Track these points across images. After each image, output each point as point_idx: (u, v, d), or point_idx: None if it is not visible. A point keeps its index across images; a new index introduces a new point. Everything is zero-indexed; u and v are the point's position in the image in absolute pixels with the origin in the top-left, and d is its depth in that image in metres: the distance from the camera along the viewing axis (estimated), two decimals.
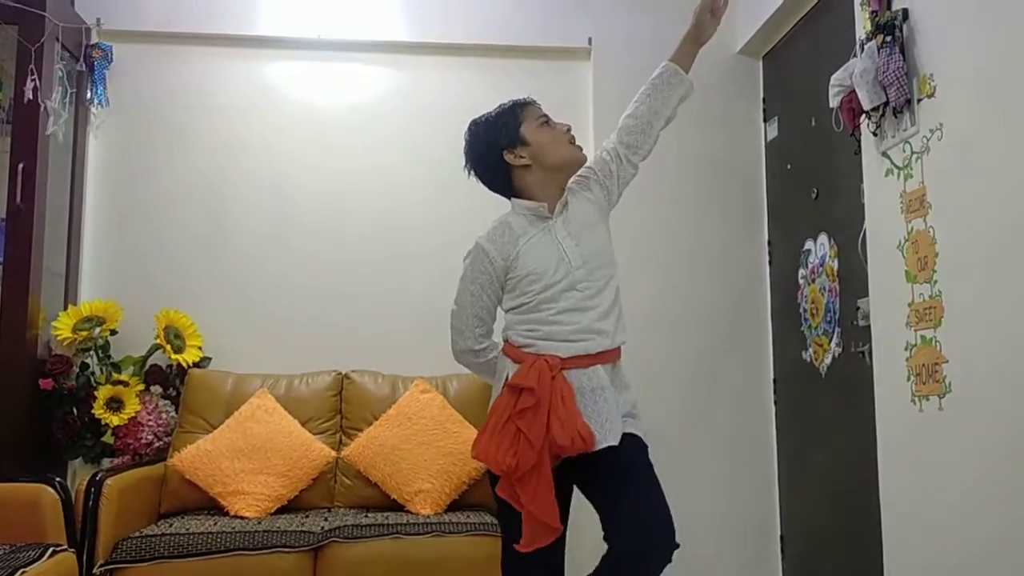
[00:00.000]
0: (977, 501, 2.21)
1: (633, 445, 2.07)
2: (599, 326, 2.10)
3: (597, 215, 2.23)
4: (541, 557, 2.02)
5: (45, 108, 3.29)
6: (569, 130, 2.25)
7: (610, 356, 2.12)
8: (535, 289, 2.12)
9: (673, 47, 2.31)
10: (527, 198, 2.20)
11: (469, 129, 2.26)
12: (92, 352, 3.36)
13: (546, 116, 2.24)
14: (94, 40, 3.67)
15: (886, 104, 2.54)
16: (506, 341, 2.18)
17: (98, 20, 3.70)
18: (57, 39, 3.39)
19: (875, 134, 2.65)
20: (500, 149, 2.19)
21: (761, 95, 3.87)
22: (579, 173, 2.26)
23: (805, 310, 3.36)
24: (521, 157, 2.19)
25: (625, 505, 1.97)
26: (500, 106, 2.26)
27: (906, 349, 2.48)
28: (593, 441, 1.97)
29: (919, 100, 2.45)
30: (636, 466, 2.04)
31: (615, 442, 2.01)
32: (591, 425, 1.99)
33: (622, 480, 2.01)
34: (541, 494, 1.96)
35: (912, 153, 2.48)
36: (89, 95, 3.62)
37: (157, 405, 3.39)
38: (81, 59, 3.61)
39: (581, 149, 2.25)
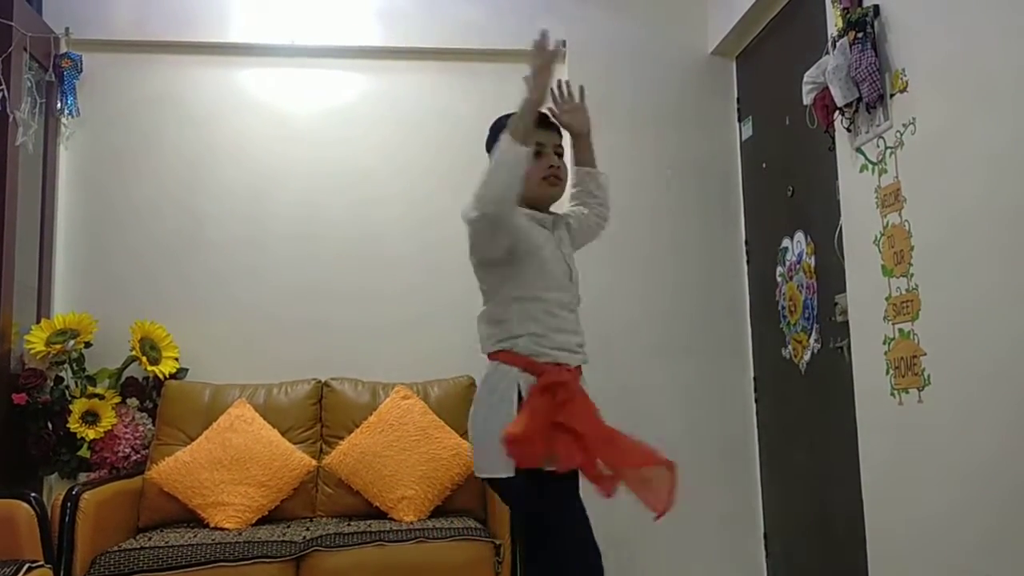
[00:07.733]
0: (958, 492, 2.22)
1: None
2: None
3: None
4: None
5: (14, 119, 3.25)
6: (553, 166, 2.28)
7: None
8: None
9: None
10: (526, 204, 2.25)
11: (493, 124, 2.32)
12: (66, 365, 3.31)
13: (540, 145, 2.23)
14: (63, 50, 3.63)
15: (859, 100, 2.56)
16: (508, 351, 2.15)
17: (67, 29, 3.65)
18: (25, 49, 3.35)
19: (849, 130, 2.67)
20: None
21: (735, 95, 3.88)
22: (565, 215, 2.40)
23: (784, 307, 3.38)
24: None
25: None
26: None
27: (884, 343, 2.49)
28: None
29: (892, 95, 2.47)
30: None
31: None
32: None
33: None
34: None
35: (886, 148, 2.50)
36: (59, 105, 3.57)
37: (134, 418, 3.34)
38: (50, 69, 3.56)
39: (557, 186, 2.30)
